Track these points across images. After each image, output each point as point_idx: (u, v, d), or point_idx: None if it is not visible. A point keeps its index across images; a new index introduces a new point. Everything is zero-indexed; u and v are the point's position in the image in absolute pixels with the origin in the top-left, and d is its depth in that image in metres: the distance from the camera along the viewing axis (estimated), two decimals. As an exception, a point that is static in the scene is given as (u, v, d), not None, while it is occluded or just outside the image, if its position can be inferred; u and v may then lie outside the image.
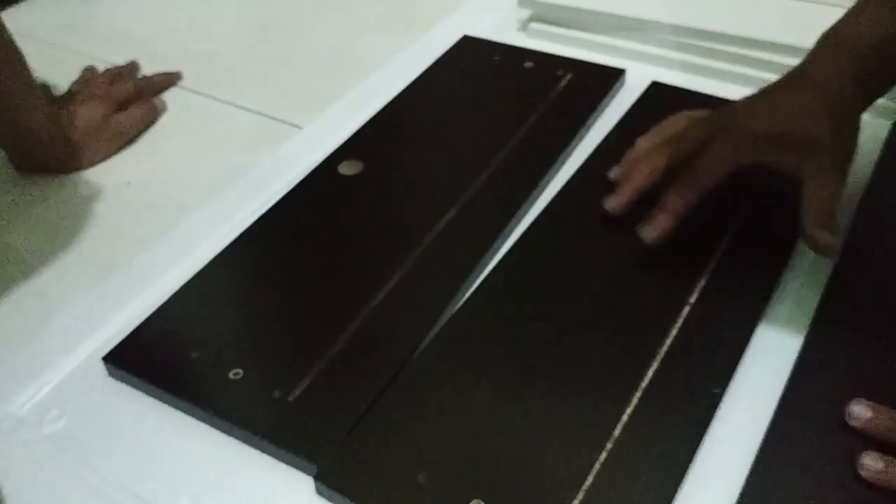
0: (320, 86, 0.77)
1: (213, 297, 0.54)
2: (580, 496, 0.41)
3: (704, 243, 0.55)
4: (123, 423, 0.48)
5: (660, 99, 0.69)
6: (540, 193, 0.62)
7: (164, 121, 0.75)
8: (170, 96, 0.78)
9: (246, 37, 0.87)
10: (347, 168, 0.64)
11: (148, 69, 0.80)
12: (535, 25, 0.82)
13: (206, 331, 0.52)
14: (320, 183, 0.63)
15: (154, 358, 0.50)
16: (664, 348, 0.48)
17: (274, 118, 0.74)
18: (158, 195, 0.66)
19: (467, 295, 0.53)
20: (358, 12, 0.90)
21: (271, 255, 0.57)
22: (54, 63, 0.79)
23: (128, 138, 0.71)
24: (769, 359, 0.49)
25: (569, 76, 0.73)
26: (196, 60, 0.82)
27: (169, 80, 0.79)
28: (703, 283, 0.52)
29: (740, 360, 0.48)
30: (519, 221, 0.59)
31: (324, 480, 0.43)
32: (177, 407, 0.48)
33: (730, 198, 0.57)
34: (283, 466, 0.45)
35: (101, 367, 0.51)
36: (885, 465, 0.41)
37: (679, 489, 0.42)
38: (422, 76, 0.75)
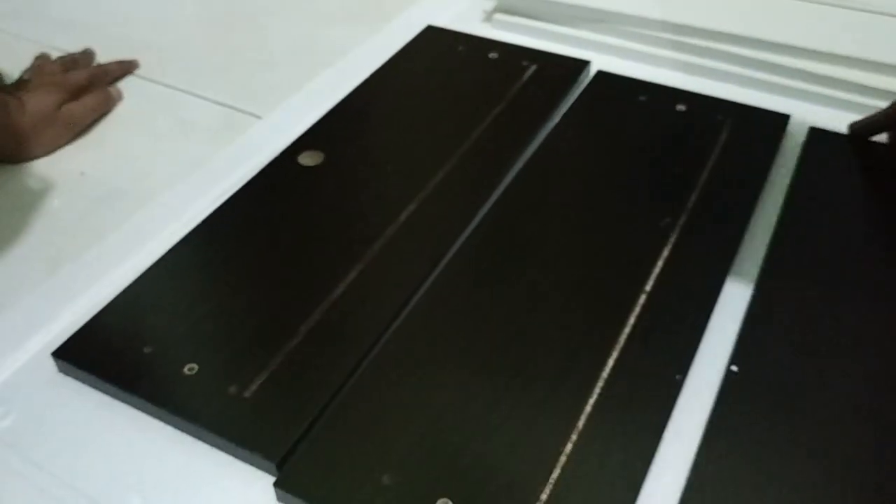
0: (281, 76, 0.76)
1: (167, 290, 0.53)
2: (548, 489, 0.41)
3: (658, 230, 0.55)
4: (73, 420, 0.47)
5: (604, 88, 0.69)
6: (503, 186, 0.61)
7: (119, 110, 0.73)
8: (126, 85, 0.76)
9: (206, 25, 0.85)
10: (308, 159, 0.63)
11: (104, 57, 0.78)
12: (499, 16, 0.81)
13: (160, 325, 0.50)
14: (280, 174, 0.62)
15: (106, 353, 0.48)
16: (623, 338, 0.48)
17: (233, 108, 0.73)
18: (113, 186, 0.64)
19: (426, 288, 0.52)
20: (321, 1, 0.88)
21: (228, 247, 0.56)
22: (5, 50, 0.77)
23: (81, 127, 0.69)
24: (726, 345, 0.49)
25: (533, 67, 0.72)
26: (154, 49, 0.80)
27: (125, 68, 0.77)
28: (657, 271, 0.52)
29: (698, 347, 0.48)
30: (480, 214, 0.58)
31: (284, 486, 0.42)
32: (129, 403, 0.47)
33: (681, 187, 0.58)
34: (239, 464, 0.44)
35: (50, 363, 0.49)
36: None
37: (646, 477, 0.42)
38: (384, 66, 0.73)
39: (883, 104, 0.65)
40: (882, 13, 0.74)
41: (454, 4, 0.84)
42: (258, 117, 0.71)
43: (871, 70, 0.69)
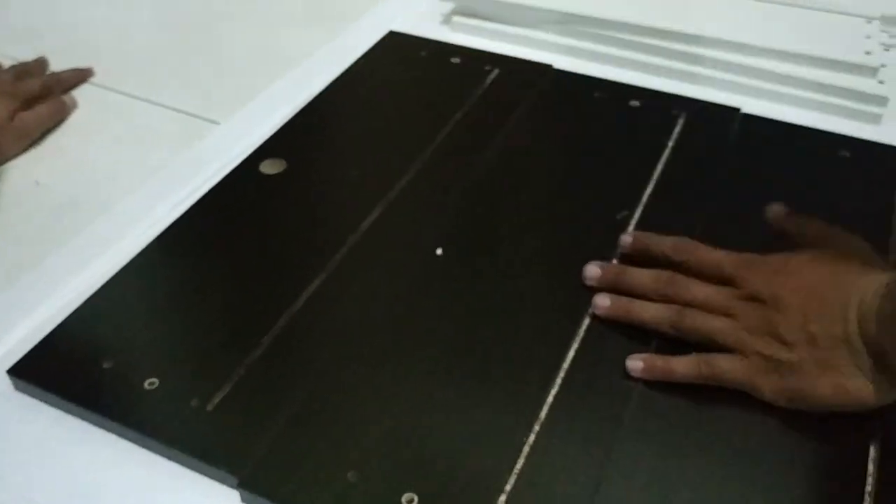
0: (239, 81, 0.75)
1: (126, 303, 0.52)
2: (513, 480, 0.41)
3: (616, 223, 0.56)
4: (30, 437, 0.46)
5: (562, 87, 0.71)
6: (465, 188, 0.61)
7: (75, 118, 0.72)
8: (81, 93, 0.74)
9: (163, 31, 0.84)
10: (269, 167, 0.62)
11: (58, 65, 0.77)
12: (458, 19, 0.81)
13: (120, 339, 0.49)
14: (241, 182, 0.61)
15: (63, 369, 0.47)
16: (583, 329, 0.49)
17: (191, 115, 0.72)
18: (69, 196, 0.63)
19: (388, 293, 0.52)
20: (279, 5, 0.87)
21: (189, 257, 0.55)
22: (-45, 59, 0.75)
23: (34, 137, 0.68)
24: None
25: (496, 71, 0.72)
26: (110, 56, 0.79)
27: (80, 76, 0.75)
28: (615, 261, 0.53)
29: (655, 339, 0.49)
30: (444, 217, 0.58)
31: (247, 487, 0.41)
32: (89, 420, 0.46)
33: (636, 180, 0.60)
34: (204, 479, 0.43)
35: (6, 380, 0.48)
36: (611, 301, 0.49)
37: (607, 463, 0.42)
38: (346, 72, 0.73)
39: (827, 98, 0.68)
40: (825, 10, 0.77)
41: (412, 7, 0.84)
42: (216, 123, 0.70)
43: (816, 66, 0.71)
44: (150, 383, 0.46)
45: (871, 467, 0.42)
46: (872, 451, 0.43)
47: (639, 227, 0.56)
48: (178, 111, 0.72)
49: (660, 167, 0.61)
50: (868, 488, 0.41)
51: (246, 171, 0.62)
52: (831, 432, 0.44)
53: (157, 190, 0.61)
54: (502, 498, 0.41)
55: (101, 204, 0.61)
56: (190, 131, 0.69)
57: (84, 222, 0.59)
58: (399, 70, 0.74)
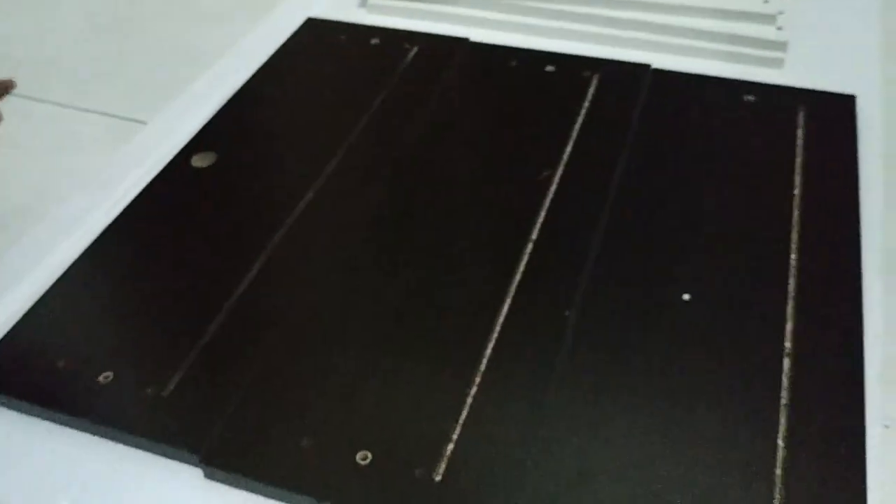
0: (163, 80, 0.76)
1: (73, 304, 0.53)
2: (458, 430, 0.44)
3: (539, 183, 0.59)
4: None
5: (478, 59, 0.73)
6: (393, 163, 0.63)
7: (1, 131, 0.72)
8: (6, 106, 0.74)
9: (80, 38, 0.85)
10: (200, 160, 0.63)
11: (-23, 79, 0.77)
12: (373, 1, 0.83)
13: (71, 339, 0.50)
14: (174, 178, 0.62)
15: (20, 373, 0.48)
16: (515, 284, 0.52)
17: (118, 117, 0.72)
18: (4, 208, 0.63)
19: (328, 268, 0.54)
20: (193, 2, 0.88)
21: (129, 255, 0.56)
22: None
23: (-37, 152, 0.68)
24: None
25: (415, 49, 0.74)
26: (30, 66, 0.79)
27: (2, 88, 0.75)
28: (541, 219, 0.56)
29: (584, 285, 0.52)
30: (375, 193, 0.60)
31: (209, 463, 0.43)
32: (51, 419, 0.47)
33: (556, 141, 0.63)
34: (167, 462, 0.45)
35: (-39, 390, 0.49)
36: None
37: (543, 406, 0.45)
38: (269, 62, 0.74)
39: (731, 48, 0.72)
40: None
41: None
42: (144, 123, 0.71)
43: (719, 18, 0.75)
44: (105, 377, 0.48)
45: (781, 420, 0.45)
46: (783, 398, 0.46)
47: (560, 185, 0.59)
48: (105, 115, 0.73)
49: (577, 127, 0.64)
50: (780, 441, 0.44)
51: (177, 166, 0.63)
52: (745, 375, 0.47)
53: (92, 194, 0.62)
54: (450, 446, 0.43)
55: (37, 212, 0.61)
56: (118, 133, 0.70)
57: (20, 232, 0.60)
58: (320, 56, 0.75)
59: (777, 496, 0.41)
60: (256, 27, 0.81)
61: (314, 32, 0.78)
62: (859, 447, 0.43)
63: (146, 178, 0.62)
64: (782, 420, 0.44)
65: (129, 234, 0.58)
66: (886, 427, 0.46)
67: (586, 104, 0.66)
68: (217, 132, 0.66)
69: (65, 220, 0.60)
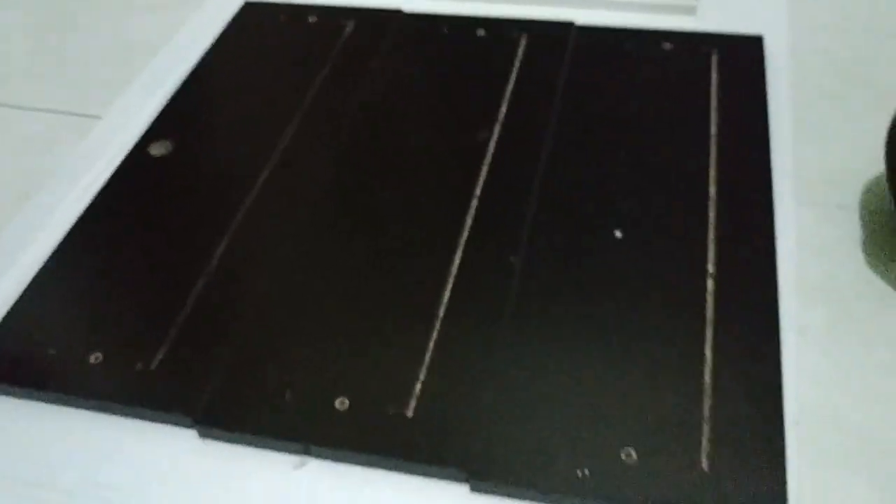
0: (109, 73, 0.79)
1: (56, 295, 0.56)
2: (424, 370, 0.49)
3: (478, 144, 0.64)
4: (4, 427, 0.51)
5: (411, 29, 0.77)
6: (340, 138, 0.67)
7: (-43, 137, 0.74)
8: (-43, 112, 0.77)
9: (20, 37, 0.86)
10: (158, 149, 0.67)
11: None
12: (308, -20, 0.86)
13: (57, 328, 0.54)
14: (134, 168, 0.65)
15: (14, 363, 0.52)
16: (463, 237, 0.57)
17: (71, 114, 0.75)
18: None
19: (292, 235, 0.58)
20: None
21: (103, 243, 0.60)
22: None
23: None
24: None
25: (351, 24, 0.78)
26: (-24, 70, 0.81)
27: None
28: (482, 178, 0.61)
29: (526, 233, 0.57)
30: (326, 166, 0.64)
31: (203, 422, 0.48)
32: (48, 401, 0.51)
33: (492, 103, 0.67)
34: (163, 428, 0.49)
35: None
36: None
37: (499, 341, 0.51)
38: (212, 48, 0.77)
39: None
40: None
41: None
42: (98, 118, 0.74)
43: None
44: (96, 358, 0.52)
45: (708, 334, 0.51)
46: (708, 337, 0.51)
47: (498, 143, 0.64)
48: (57, 112, 0.76)
49: (510, 87, 0.69)
50: (707, 352, 0.50)
51: (136, 157, 0.66)
52: (674, 298, 0.53)
53: (58, 189, 0.65)
54: (418, 385, 0.48)
55: (5, 214, 0.64)
56: (73, 130, 0.73)
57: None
58: (261, 38, 0.79)
59: (707, 400, 0.47)
60: (195, 15, 0.84)
61: (253, 15, 0.82)
62: (776, 352, 0.49)
63: (108, 170, 0.66)
64: (708, 334, 0.50)
65: (99, 223, 0.61)
66: (800, 333, 0.52)
67: (517, 64, 0.71)
68: (171, 121, 0.70)
69: (34, 218, 0.63)
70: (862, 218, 0.57)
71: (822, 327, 0.53)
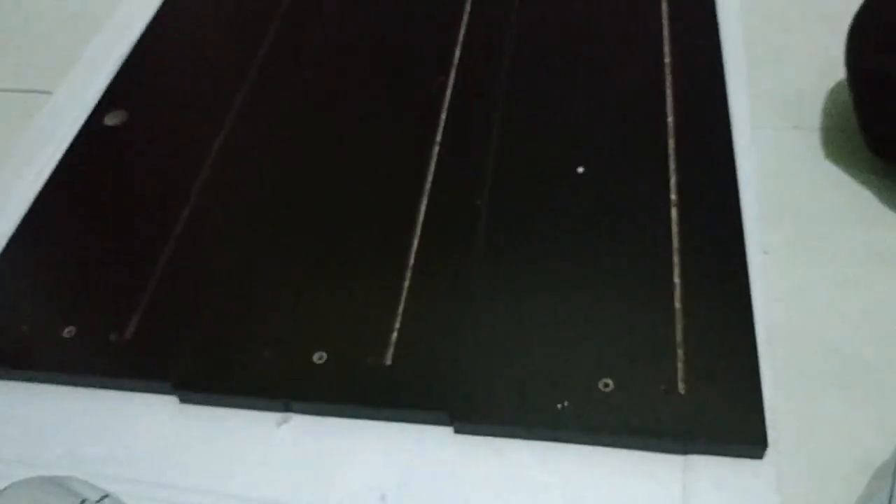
0: (55, 47, 0.77)
1: (23, 272, 0.56)
2: (399, 319, 0.50)
3: (437, 88, 0.64)
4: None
5: None
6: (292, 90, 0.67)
7: None
8: None
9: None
10: (112, 118, 0.66)
11: None
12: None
13: (28, 304, 0.54)
14: (90, 140, 0.64)
15: (-15, 344, 0.52)
16: (428, 183, 0.57)
17: (22, 91, 0.74)
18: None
19: (256, 193, 0.58)
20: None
21: (66, 217, 0.59)
22: None
23: None
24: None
25: (297, -21, 0.77)
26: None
27: None
28: (443, 122, 0.61)
29: (489, 174, 0.57)
30: (285, 127, 0.64)
31: (182, 387, 0.48)
32: (27, 379, 0.51)
33: (445, 47, 0.67)
34: (143, 396, 0.49)
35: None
36: None
37: (471, 285, 0.51)
38: (157, 14, 0.76)
39: None
40: None
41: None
42: (49, 93, 0.72)
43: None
44: (69, 332, 0.52)
45: (675, 261, 0.52)
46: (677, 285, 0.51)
47: (455, 87, 0.64)
48: (7, 91, 0.74)
49: (462, 30, 0.68)
50: (676, 279, 0.51)
51: (92, 128, 0.65)
52: (640, 229, 0.53)
53: (15, 167, 0.64)
54: (394, 335, 0.49)
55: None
56: (25, 107, 0.72)
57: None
58: (204, 1, 0.77)
59: (679, 325, 0.48)
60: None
61: (196, -22, 0.80)
62: (743, 273, 0.50)
63: (64, 143, 0.65)
64: (676, 261, 0.51)
65: (59, 198, 0.60)
66: (765, 253, 0.53)
67: (468, 7, 0.71)
68: (123, 90, 0.69)
69: (-9, 200, 0.63)
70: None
71: (785, 247, 0.54)
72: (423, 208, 0.55)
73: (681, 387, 0.46)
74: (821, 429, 0.46)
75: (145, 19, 0.76)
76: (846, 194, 0.57)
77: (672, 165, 0.56)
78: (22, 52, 0.78)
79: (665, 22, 0.67)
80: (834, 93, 0.64)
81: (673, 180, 0.55)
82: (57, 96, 0.71)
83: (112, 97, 0.68)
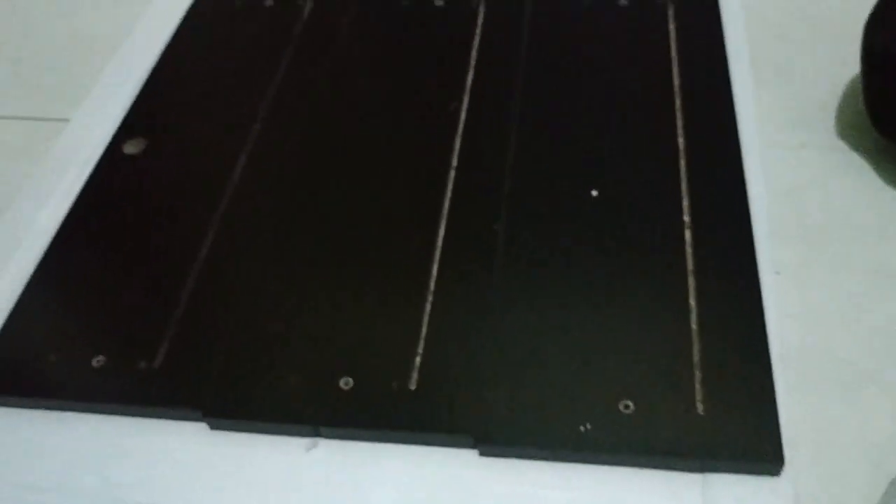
0: (70, 73, 0.78)
1: (50, 302, 0.57)
2: (422, 344, 0.51)
3: (450, 114, 0.65)
4: (9, 440, 0.51)
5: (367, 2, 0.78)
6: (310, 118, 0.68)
7: (-76, 152, 0.74)
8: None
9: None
10: (132, 147, 0.67)
11: None
12: (260, -38, 0.85)
13: (56, 334, 0.55)
14: (110, 168, 0.66)
15: (16, 373, 0.53)
16: (445, 208, 0.58)
17: (39, 119, 0.75)
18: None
19: (276, 223, 0.59)
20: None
21: (90, 247, 0.60)
22: None
23: None
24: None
25: (310, 4, 0.78)
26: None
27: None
28: (457, 147, 0.62)
29: (505, 198, 0.58)
30: (301, 147, 0.65)
31: (212, 414, 0.49)
32: (56, 408, 0.52)
33: (458, 73, 0.68)
34: (173, 424, 0.51)
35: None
36: None
37: (491, 307, 0.52)
38: (173, 41, 0.77)
39: None
40: None
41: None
42: (66, 120, 0.73)
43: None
44: (98, 361, 0.53)
45: (690, 283, 0.53)
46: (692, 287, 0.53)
47: (469, 113, 0.65)
48: (24, 119, 0.75)
49: (474, 55, 0.70)
50: (692, 301, 0.52)
51: (111, 157, 0.66)
52: (654, 251, 0.55)
53: (37, 196, 0.65)
54: (418, 359, 0.50)
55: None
56: (42, 135, 0.73)
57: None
58: (220, 26, 0.78)
59: (696, 346, 0.49)
60: (150, 7, 0.83)
61: (209, 4, 0.81)
62: (756, 293, 0.51)
63: (85, 172, 0.66)
64: (691, 283, 0.52)
65: (83, 226, 0.62)
66: (777, 273, 0.55)
67: (479, 32, 0.72)
68: (141, 117, 0.70)
69: (16, 226, 0.63)
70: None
71: (797, 266, 0.55)
72: (441, 233, 0.57)
73: (699, 407, 0.47)
74: (836, 444, 0.47)
75: (160, 45, 0.77)
76: (856, 212, 0.58)
77: (684, 187, 0.57)
78: (36, 80, 0.79)
79: (673, 43, 0.68)
80: (841, 110, 0.65)
81: (685, 202, 0.56)
82: (74, 124, 0.72)
83: (130, 125, 0.69)
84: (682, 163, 0.59)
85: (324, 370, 0.50)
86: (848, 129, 0.63)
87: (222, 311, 0.54)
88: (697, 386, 0.48)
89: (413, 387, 0.49)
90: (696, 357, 0.49)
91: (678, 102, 0.63)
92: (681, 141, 0.60)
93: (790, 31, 0.72)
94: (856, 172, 0.60)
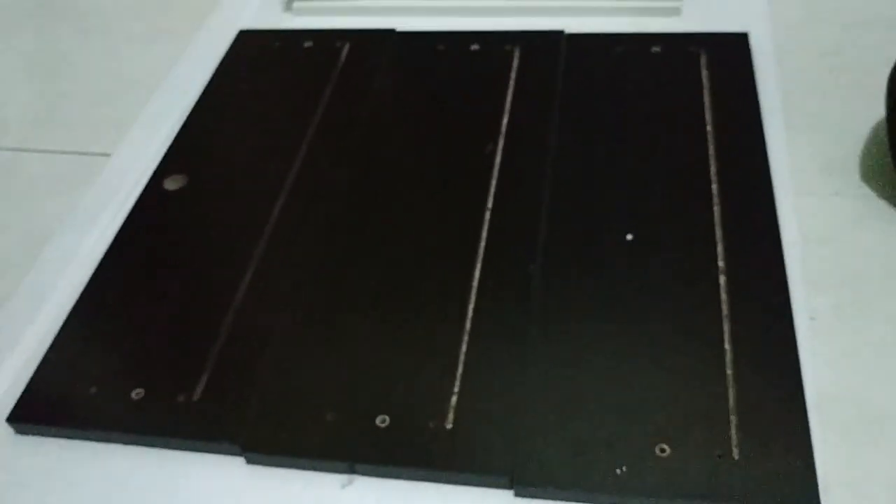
0: (111, 110, 0.80)
1: (90, 336, 0.58)
2: (458, 384, 0.51)
3: (485, 156, 0.66)
4: (46, 470, 0.52)
5: (407, 47, 0.79)
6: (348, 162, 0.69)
7: (-31, 185, 0.75)
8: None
9: (15, 81, 0.87)
10: (172, 184, 0.68)
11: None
12: (298, 4, 0.87)
13: (95, 367, 0.56)
14: (151, 204, 0.67)
15: (58, 405, 0.54)
16: (481, 249, 0.59)
17: (80, 153, 0.76)
18: (-5, 257, 0.67)
19: (314, 265, 0.60)
20: (114, 28, 0.91)
21: (129, 281, 0.61)
22: None
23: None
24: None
25: (346, 46, 0.80)
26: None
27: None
28: (493, 189, 0.63)
29: (541, 241, 0.59)
30: (341, 188, 0.66)
31: (249, 448, 0.50)
32: (95, 439, 0.53)
33: (493, 115, 0.69)
34: (211, 457, 0.51)
35: (5, 428, 0.54)
36: None
37: (527, 348, 0.53)
38: (213, 79, 0.79)
39: (632, 3, 0.79)
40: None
41: (250, 3, 0.90)
42: (107, 155, 0.75)
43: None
44: (137, 394, 0.53)
45: (725, 328, 0.53)
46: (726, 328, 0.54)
47: (504, 155, 0.66)
48: (65, 153, 0.77)
49: (509, 99, 0.71)
50: (727, 345, 0.52)
51: (152, 193, 0.68)
52: (689, 295, 0.55)
53: (78, 230, 0.67)
54: (454, 398, 0.50)
55: (17, 259, 0.65)
56: (83, 169, 0.74)
57: (16, 278, 0.64)
58: (260, 66, 0.80)
59: (731, 391, 0.49)
60: (190, 46, 0.85)
61: (248, 44, 0.83)
62: (791, 339, 0.52)
63: (126, 207, 0.67)
64: (726, 328, 0.52)
65: (123, 260, 0.63)
66: (812, 319, 0.55)
67: (513, 76, 0.73)
68: (182, 154, 0.71)
69: (58, 259, 0.65)
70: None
71: (831, 312, 0.55)
72: (477, 274, 0.57)
73: (735, 452, 0.47)
74: (872, 491, 0.47)
75: (201, 82, 0.79)
76: (889, 258, 0.58)
77: (718, 233, 0.58)
78: (79, 115, 0.81)
79: (706, 90, 0.69)
80: (872, 158, 0.65)
81: (720, 247, 0.57)
82: (116, 159, 0.74)
83: (171, 161, 0.71)
84: (717, 208, 0.59)
85: (361, 408, 0.51)
86: (879, 176, 0.64)
87: (260, 346, 0.55)
88: (733, 430, 0.48)
89: (449, 426, 0.49)
90: (731, 401, 0.49)
91: (711, 148, 0.64)
92: (714, 187, 0.61)
93: (821, 80, 0.73)
94: (888, 219, 0.61)
